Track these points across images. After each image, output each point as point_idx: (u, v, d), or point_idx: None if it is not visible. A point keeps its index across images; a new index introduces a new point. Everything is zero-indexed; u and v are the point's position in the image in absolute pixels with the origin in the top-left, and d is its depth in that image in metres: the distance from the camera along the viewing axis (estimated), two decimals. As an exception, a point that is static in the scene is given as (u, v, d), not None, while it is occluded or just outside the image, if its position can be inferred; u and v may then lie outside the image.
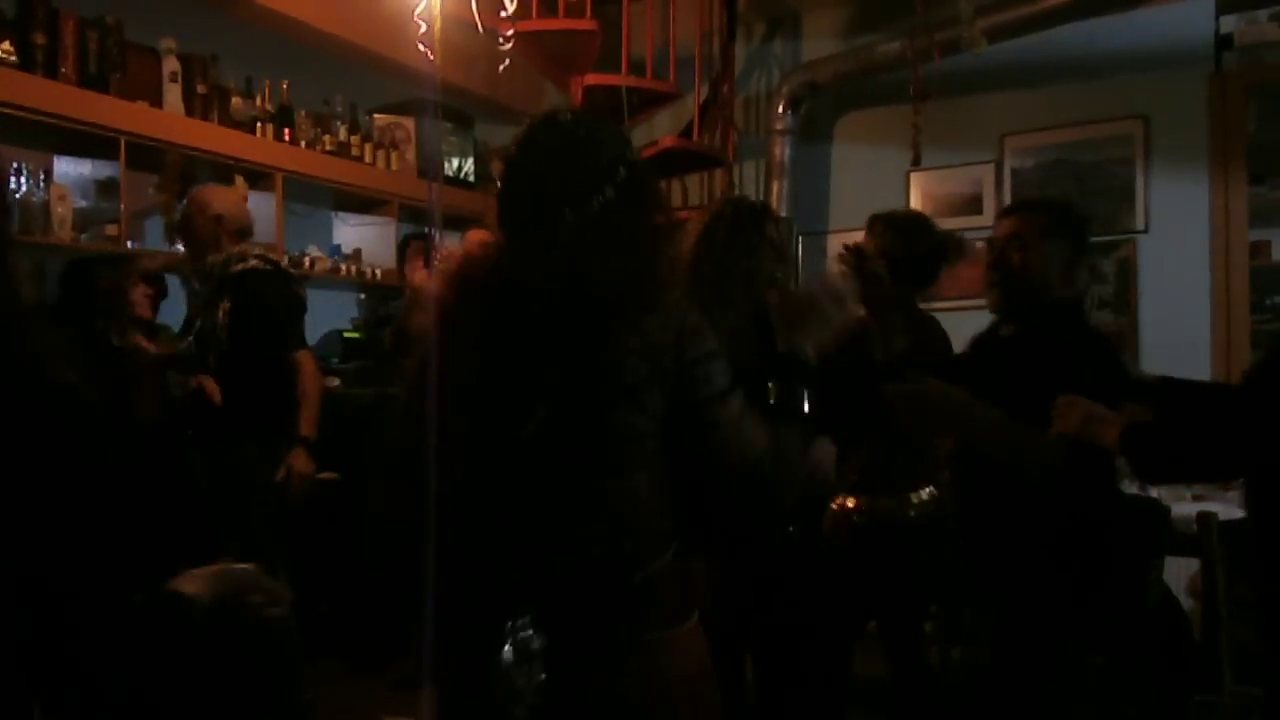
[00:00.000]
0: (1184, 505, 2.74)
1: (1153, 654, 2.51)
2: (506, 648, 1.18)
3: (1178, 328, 3.77)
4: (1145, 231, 3.90)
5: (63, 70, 3.05)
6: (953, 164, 4.21)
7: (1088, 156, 3.99)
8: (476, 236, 2.74)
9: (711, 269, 1.93)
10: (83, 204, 3.27)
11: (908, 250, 2.35)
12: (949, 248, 2.45)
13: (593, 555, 1.20)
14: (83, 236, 3.22)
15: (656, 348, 1.22)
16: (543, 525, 1.21)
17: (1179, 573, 2.83)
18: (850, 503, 2.44)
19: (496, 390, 1.22)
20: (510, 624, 1.18)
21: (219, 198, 2.86)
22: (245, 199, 3.48)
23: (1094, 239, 3.83)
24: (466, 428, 1.23)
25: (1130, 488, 2.99)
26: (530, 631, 1.18)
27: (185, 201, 2.87)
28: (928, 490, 2.40)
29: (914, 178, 4.27)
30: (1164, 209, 3.86)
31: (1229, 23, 3.73)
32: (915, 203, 4.31)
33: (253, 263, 2.75)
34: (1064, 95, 4.01)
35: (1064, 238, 1.97)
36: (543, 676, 1.17)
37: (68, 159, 3.32)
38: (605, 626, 1.21)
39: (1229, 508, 2.70)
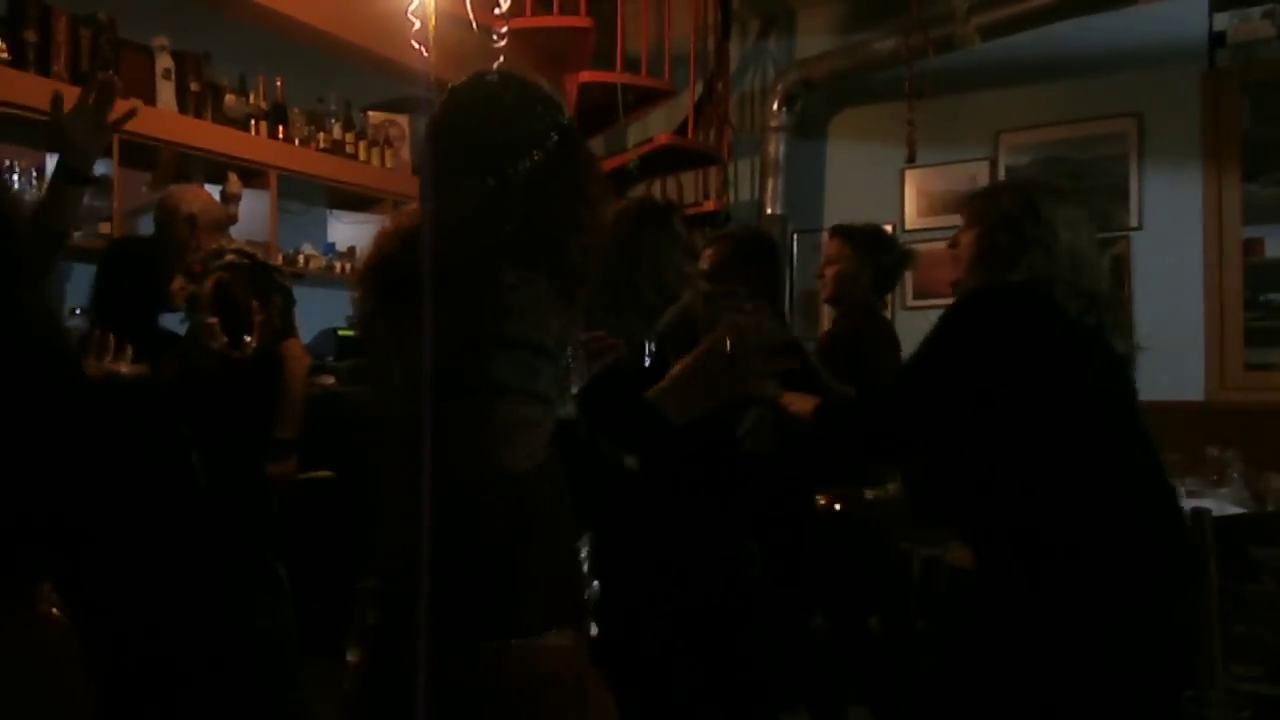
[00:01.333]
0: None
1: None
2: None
3: (1171, 325, 3.77)
4: (1139, 228, 3.91)
5: (55, 68, 3.05)
6: (948, 161, 4.21)
7: (1082, 153, 3.99)
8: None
9: (621, 267, 1.78)
10: (76, 202, 3.26)
11: (874, 263, 2.65)
12: (908, 259, 2.75)
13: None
14: (76, 234, 3.21)
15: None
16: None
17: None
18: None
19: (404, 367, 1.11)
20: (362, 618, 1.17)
21: (188, 197, 2.82)
22: (239, 196, 3.48)
23: (1088, 236, 3.86)
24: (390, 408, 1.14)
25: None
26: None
27: (156, 208, 2.83)
28: (881, 489, 2.59)
29: (909, 175, 4.28)
30: (1158, 206, 3.87)
31: (1222, 20, 3.74)
32: (910, 200, 4.32)
33: (229, 258, 2.74)
34: (1059, 92, 4.02)
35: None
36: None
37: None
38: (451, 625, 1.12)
39: (1221, 504, 2.71)
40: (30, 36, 2.98)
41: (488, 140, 1.16)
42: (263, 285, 2.69)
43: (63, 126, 1.58)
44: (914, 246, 2.95)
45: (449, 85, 1.23)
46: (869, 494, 2.59)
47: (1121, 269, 3.91)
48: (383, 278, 1.18)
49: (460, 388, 1.08)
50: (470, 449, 1.09)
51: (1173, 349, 3.79)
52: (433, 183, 1.17)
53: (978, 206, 1.76)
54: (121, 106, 1.61)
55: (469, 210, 1.14)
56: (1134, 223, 3.91)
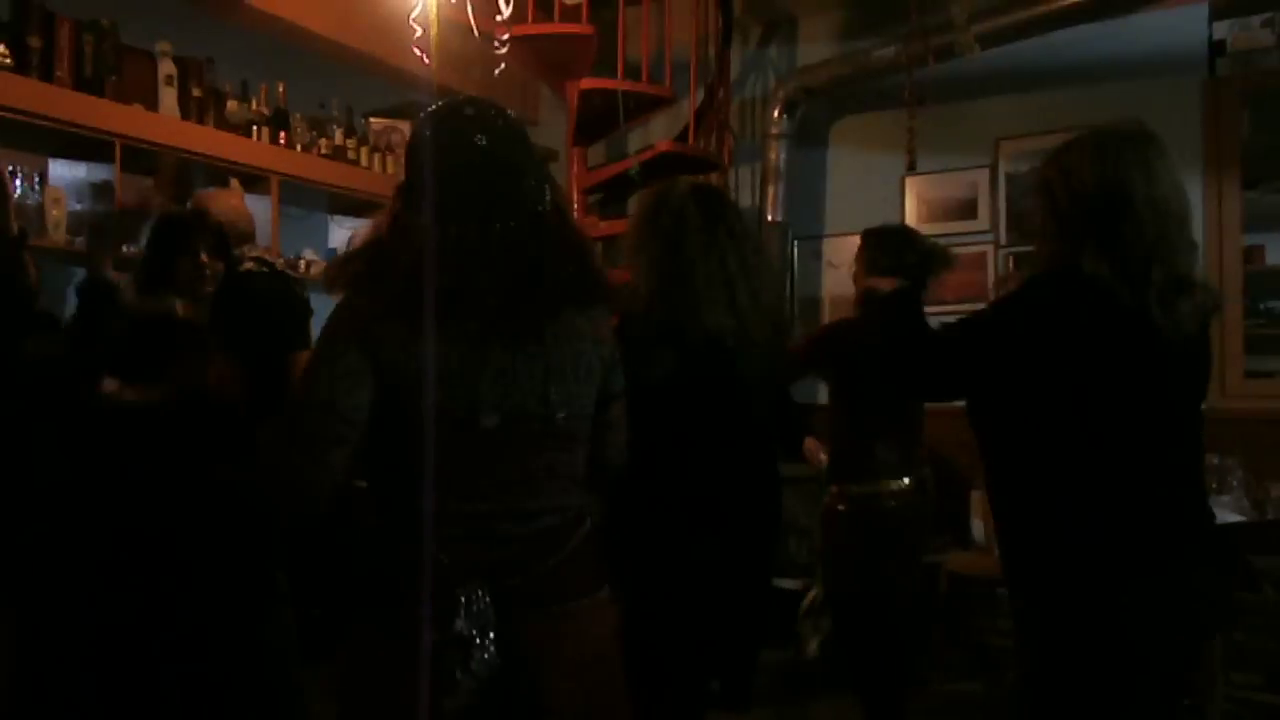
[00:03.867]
0: (1178, 509, 2.74)
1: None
2: (461, 618, 1.22)
3: (1172, 332, 3.78)
4: (1139, 236, 3.91)
5: (58, 73, 3.05)
6: (948, 169, 4.22)
7: (1082, 161, 4.00)
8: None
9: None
10: (77, 207, 3.27)
11: (898, 261, 2.55)
12: (935, 258, 2.63)
13: (542, 525, 1.29)
14: (77, 240, 3.21)
15: (600, 339, 1.35)
16: (497, 498, 1.27)
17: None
18: (833, 489, 2.65)
19: (451, 374, 1.24)
20: (464, 595, 1.23)
21: (217, 204, 2.84)
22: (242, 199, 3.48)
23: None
24: (420, 410, 1.25)
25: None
26: (485, 601, 1.23)
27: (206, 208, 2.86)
28: (907, 481, 2.57)
29: (909, 182, 4.28)
30: (1158, 214, 3.87)
31: (1222, 29, 3.75)
32: (910, 207, 4.32)
33: (248, 265, 2.75)
34: (1059, 100, 4.02)
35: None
36: (492, 645, 1.23)
37: (63, 162, 3.32)
38: (547, 593, 1.28)
39: (1222, 512, 2.71)
40: (34, 42, 2.99)
41: (518, 174, 1.31)
42: (279, 292, 2.69)
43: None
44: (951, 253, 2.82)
45: (448, 111, 1.33)
46: (892, 484, 2.58)
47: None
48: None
49: (605, 394, 1.38)
50: (603, 440, 1.41)
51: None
52: (472, 209, 1.28)
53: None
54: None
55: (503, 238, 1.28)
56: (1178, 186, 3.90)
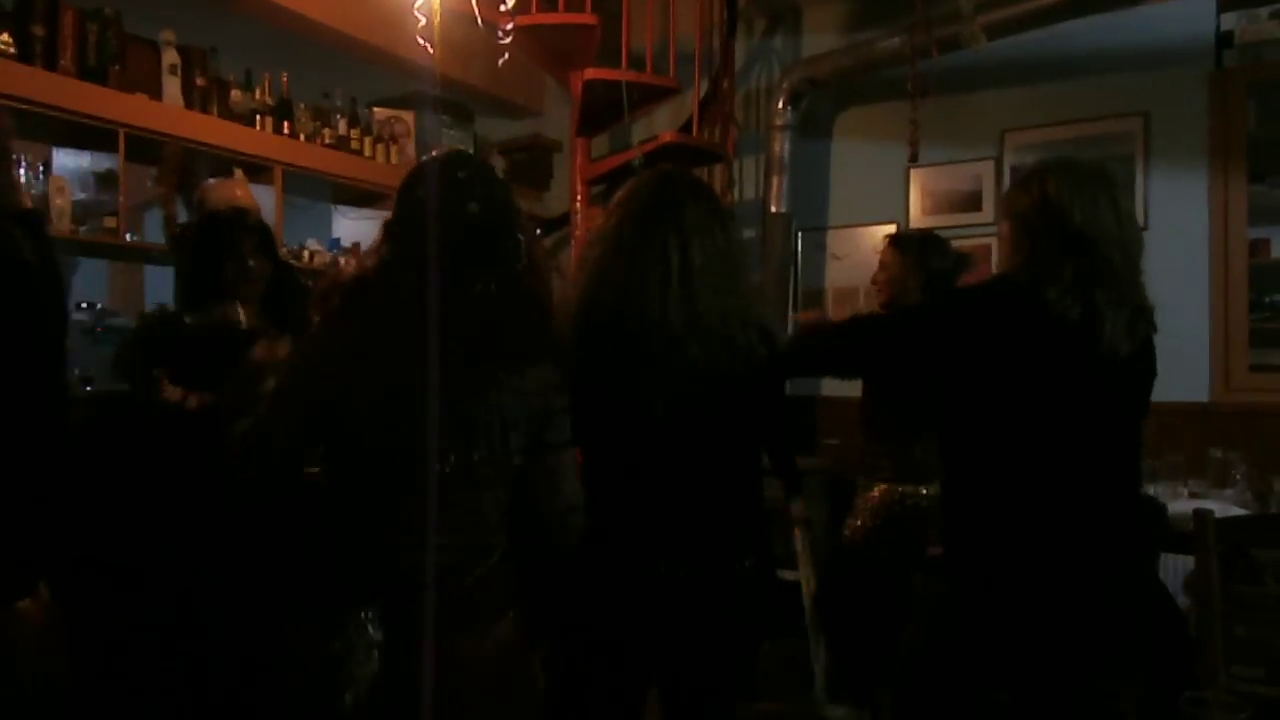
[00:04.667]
0: (1181, 503, 2.75)
1: (1148, 651, 2.51)
2: (343, 635, 1.34)
3: (1176, 325, 3.72)
4: (1145, 228, 3.87)
5: (62, 62, 3.05)
6: (953, 160, 4.21)
7: (1088, 153, 3.98)
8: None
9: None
10: (81, 196, 3.27)
11: (925, 268, 2.66)
12: (963, 263, 2.75)
13: (441, 560, 1.37)
14: (81, 229, 3.22)
15: (529, 394, 1.45)
16: (404, 529, 1.37)
17: (1176, 570, 2.84)
18: (876, 492, 2.69)
19: (398, 407, 1.37)
20: (354, 616, 1.34)
21: (218, 195, 2.84)
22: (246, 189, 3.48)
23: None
24: (353, 434, 1.39)
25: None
26: (370, 625, 1.34)
27: (194, 202, 2.86)
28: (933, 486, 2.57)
29: (913, 174, 4.27)
30: (1163, 206, 3.86)
31: (1230, 20, 3.72)
32: (914, 199, 4.31)
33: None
34: (1064, 92, 4.01)
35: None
36: (374, 665, 1.33)
37: (67, 151, 3.32)
38: (440, 621, 1.36)
39: (1225, 506, 2.71)
40: (38, 30, 2.99)
41: (507, 236, 1.42)
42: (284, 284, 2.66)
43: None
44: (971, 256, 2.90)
45: (456, 162, 1.46)
46: (924, 488, 2.62)
47: (1126, 269, 3.90)
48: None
49: (539, 444, 1.48)
50: (541, 490, 1.50)
51: (1177, 350, 3.76)
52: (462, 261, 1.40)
53: (1008, 199, 1.81)
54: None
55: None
56: (1140, 222, 3.89)
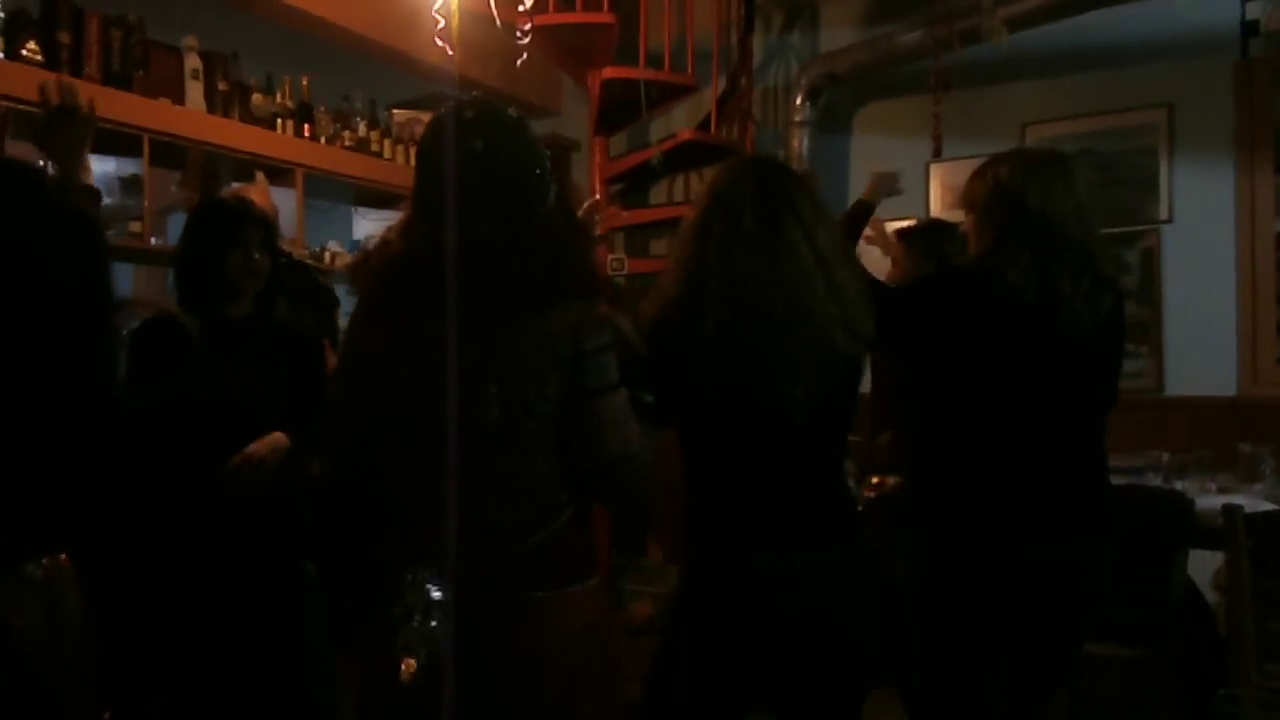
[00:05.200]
0: (1209, 498, 2.72)
1: (1180, 646, 2.49)
2: (403, 600, 1.31)
3: (1203, 318, 3.72)
4: (1170, 221, 3.85)
5: (87, 69, 3.09)
6: (974, 154, 4.16)
7: (1111, 145, 3.94)
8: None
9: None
10: (108, 201, 3.30)
11: (937, 256, 2.65)
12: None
13: (497, 521, 1.33)
14: (108, 233, 3.25)
15: (556, 336, 1.33)
16: (455, 492, 1.32)
17: (1204, 566, 2.81)
18: (890, 481, 2.65)
19: (417, 370, 1.34)
20: (411, 577, 1.31)
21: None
22: (266, 191, 3.50)
23: (1117, 229, 3.83)
24: (390, 404, 1.37)
25: (1154, 480, 2.99)
26: (430, 585, 1.31)
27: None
28: None
29: (934, 169, 4.24)
30: (1189, 198, 3.81)
31: (1255, 9, 3.67)
32: (935, 194, 4.28)
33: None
34: (1087, 84, 3.97)
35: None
36: (434, 624, 1.29)
37: (93, 156, 3.34)
38: (501, 584, 1.32)
39: (1254, 500, 2.67)
40: (63, 38, 3.02)
41: (527, 174, 1.36)
42: (302, 285, 2.64)
43: (45, 144, 1.69)
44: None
45: (464, 110, 1.39)
46: None
47: (1151, 262, 3.86)
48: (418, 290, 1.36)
49: (579, 390, 1.35)
50: (590, 440, 1.38)
51: (1204, 344, 3.74)
52: (481, 209, 1.34)
53: (966, 190, 1.90)
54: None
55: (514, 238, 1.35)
56: (1164, 215, 3.85)
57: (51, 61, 2.99)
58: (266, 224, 2.23)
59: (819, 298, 1.51)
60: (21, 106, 2.81)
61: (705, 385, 1.52)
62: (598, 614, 1.40)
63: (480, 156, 1.33)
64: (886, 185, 2.75)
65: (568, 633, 1.34)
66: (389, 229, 1.43)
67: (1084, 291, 1.74)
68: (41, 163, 1.72)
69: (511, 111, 1.40)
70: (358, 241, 4.50)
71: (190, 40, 3.45)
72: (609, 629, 1.43)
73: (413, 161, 4.63)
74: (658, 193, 4.86)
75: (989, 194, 1.81)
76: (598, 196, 4.00)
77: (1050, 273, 1.72)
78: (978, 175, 1.86)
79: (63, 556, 1.41)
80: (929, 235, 2.74)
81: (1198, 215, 3.77)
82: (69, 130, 1.69)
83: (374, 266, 1.41)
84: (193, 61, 3.45)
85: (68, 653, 1.38)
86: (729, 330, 1.49)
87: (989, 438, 1.78)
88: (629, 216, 4.46)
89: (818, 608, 1.52)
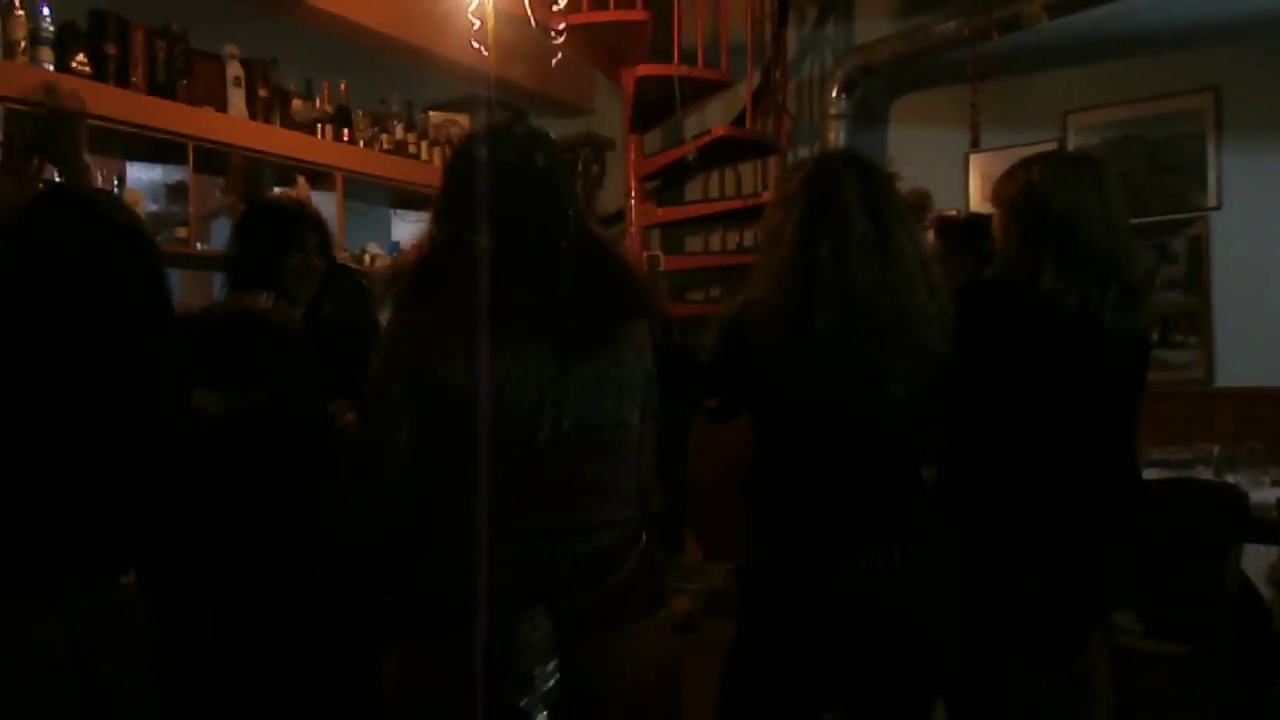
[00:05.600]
0: (1263, 491, 2.66)
1: (1232, 644, 2.44)
2: (522, 648, 1.19)
3: (1253, 307, 3.64)
4: (1218, 208, 3.76)
5: (133, 79, 3.15)
6: (1014, 144, 4.10)
7: (1156, 132, 3.86)
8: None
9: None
10: (154, 208, 3.38)
11: (973, 251, 2.54)
12: None
13: (597, 542, 1.27)
14: (157, 239, 3.33)
15: (640, 351, 1.36)
16: (552, 514, 1.26)
17: (1259, 560, 2.75)
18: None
19: (501, 386, 1.25)
20: (524, 617, 1.20)
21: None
22: (307, 199, 3.56)
23: (1164, 217, 3.75)
24: (470, 424, 1.25)
25: (1205, 473, 2.93)
26: (545, 627, 1.20)
27: None
28: None
29: (973, 159, 4.19)
30: (1237, 184, 3.72)
31: (1306, -12, 3.58)
32: (974, 185, 4.23)
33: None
34: (1130, 69, 3.89)
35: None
36: (555, 674, 1.19)
37: (140, 165, 3.43)
38: (607, 615, 1.25)
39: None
40: (110, 49, 3.09)
41: (568, 195, 1.35)
42: (346, 286, 2.62)
43: (42, 147, 1.70)
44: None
45: (513, 127, 1.38)
46: None
47: (1199, 251, 3.77)
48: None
49: (644, 407, 1.38)
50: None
51: (1254, 333, 3.65)
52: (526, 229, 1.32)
53: (996, 188, 1.88)
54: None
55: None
56: (1212, 203, 3.77)
57: (100, 73, 3.06)
58: (322, 227, 2.19)
59: (921, 299, 1.51)
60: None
61: (805, 385, 1.51)
62: (670, 644, 1.36)
63: (541, 174, 1.32)
64: (917, 202, 2.74)
65: (657, 663, 1.31)
66: (420, 239, 1.39)
67: (1111, 299, 1.72)
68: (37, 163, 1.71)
69: (543, 128, 1.43)
70: (397, 243, 4.56)
71: (231, 49, 3.51)
72: (676, 660, 1.38)
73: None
74: (693, 189, 4.85)
75: (1018, 194, 1.80)
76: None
77: (1076, 280, 1.71)
78: (1009, 175, 1.85)
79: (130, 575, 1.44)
80: (965, 231, 2.71)
81: (1247, 201, 3.68)
82: (65, 131, 1.68)
83: (418, 278, 1.34)
84: (234, 69, 3.51)
85: (137, 671, 1.39)
86: (838, 332, 1.47)
87: (1024, 445, 1.76)
88: (664, 214, 4.46)
89: (895, 608, 1.51)
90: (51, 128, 1.69)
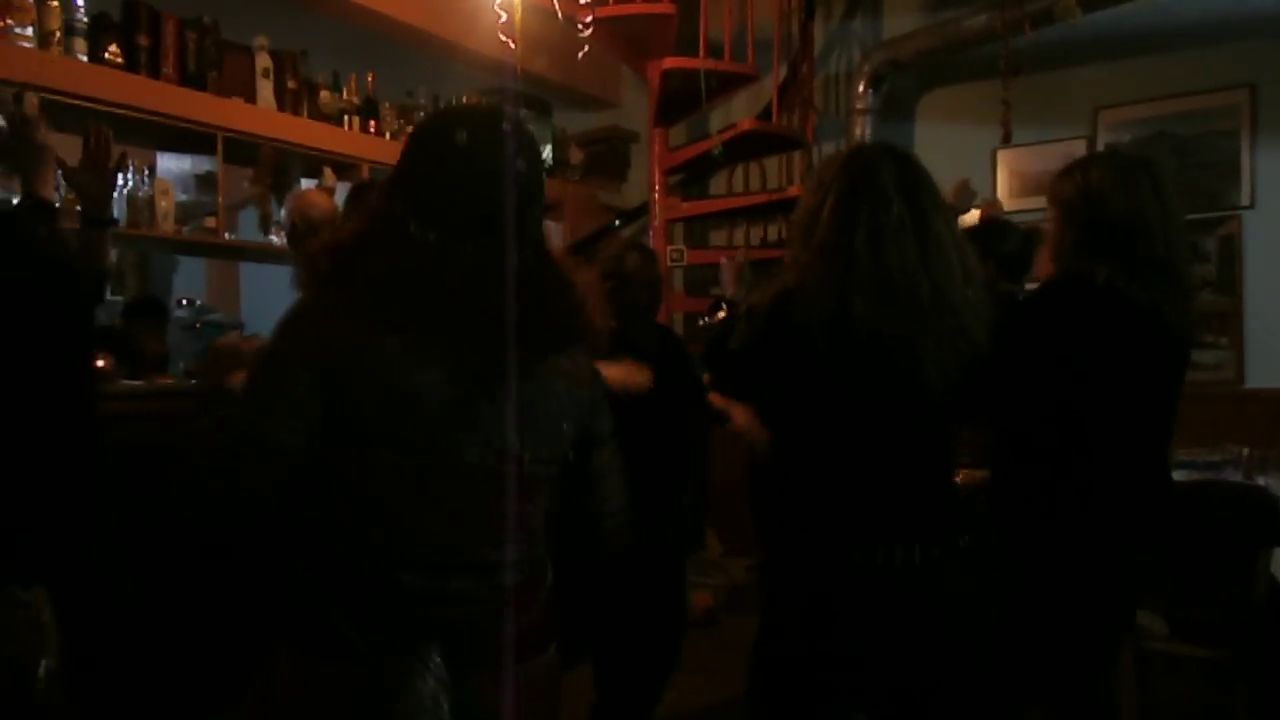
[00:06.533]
0: (1294, 494, 2.62)
1: (1261, 648, 2.41)
2: (427, 680, 1.10)
3: (1287, 308, 3.58)
4: (1251, 207, 3.71)
5: (164, 70, 3.19)
6: (1043, 140, 4.06)
7: (1190, 129, 3.81)
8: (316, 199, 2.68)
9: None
10: (183, 198, 3.42)
11: (991, 256, 2.50)
12: (1033, 242, 2.59)
13: (502, 581, 1.18)
14: (184, 229, 3.36)
15: (579, 381, 1.28)
16: (457, 546, 1.15)
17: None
18: (977, 475, 2.57)
19: (421, 401, 1.12)
20: (424, 652, 1.11)
21: (315, 206, 2.82)
22: (334, 191, 3.58)
23: (1197, 215, 3.70)
24: (378, 437, 1.12)
25: (1235, 476, 2.89)
26: (438, 663, 1.11)
27: (288, 210, 2.84)
28: None
29: (1001, 156, 4.15)
30: (1272, 182, 3.66)
31: (1347, -17, 3.51)
32: (1003, 181, 4.19)
33: None
34: (1163, 65, 3.83)
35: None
36: (447, 714, 1.10)
37: (170, 155, 3.47)
38: (502, 654, 1.17)
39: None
40: (142, 40, 3.13)
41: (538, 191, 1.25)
42: None
43: (74, 181, 1.79)
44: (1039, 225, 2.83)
45: (482, 117, 1.23)
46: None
47: (1232, 250, 3.72)
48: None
49: (589, 437, 1.34)
50: (591, 488, 1.37)
51: (1288, 334, 3.60)
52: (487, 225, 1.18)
53: (1053, 186, 1.85)
54: (115, 150, 1.86)
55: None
56: (1245, 201, 3.71)
57: (131, 64, 3.09)
58: None
59: (958, 284, 1.48)
60: (103, 108, 2.93)
61: (843, 369, 1.48)
62: (557, 681, 1.29)
63: (520, 177, 1.18)
64: (963, 196, 2.72)
65: (553, 699, 1.26)
66: (359, 214, 1.23)
67: (1170, 302, 1.74)
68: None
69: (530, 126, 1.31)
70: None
71: (261, 40, 3.54)
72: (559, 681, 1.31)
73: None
74: (717, 183, 4.84)
75: (1074, 195, 1.79)
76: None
77: (1137, 282, 1.72)
78: (1066, 173, 1.82)
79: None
80: (982, 235, 2.69)
81: (1282, 201, 3.62)
82: (28, 149, 1.74)
83: (345, 261, 1.17)
84: (263, 61, 3.54)
85: (48, 671, 1.42)
86: (875, 315, 1.45)
87: (1089, 444, 1.76)
88: (689, 208, 4.46)
89: (916, 607, 1.49)
90: (15, 142, 1.76)
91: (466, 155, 1.17)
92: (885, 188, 1.49)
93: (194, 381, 2.79)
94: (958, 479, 2.67)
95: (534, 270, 1.19)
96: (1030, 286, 2.54)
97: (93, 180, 1.84)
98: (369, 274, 1.14)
